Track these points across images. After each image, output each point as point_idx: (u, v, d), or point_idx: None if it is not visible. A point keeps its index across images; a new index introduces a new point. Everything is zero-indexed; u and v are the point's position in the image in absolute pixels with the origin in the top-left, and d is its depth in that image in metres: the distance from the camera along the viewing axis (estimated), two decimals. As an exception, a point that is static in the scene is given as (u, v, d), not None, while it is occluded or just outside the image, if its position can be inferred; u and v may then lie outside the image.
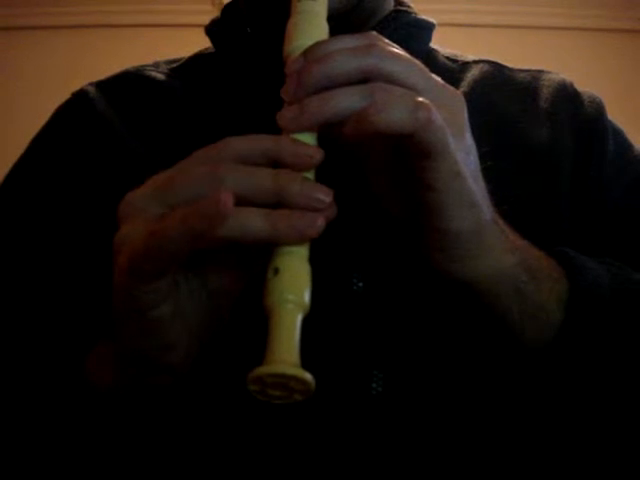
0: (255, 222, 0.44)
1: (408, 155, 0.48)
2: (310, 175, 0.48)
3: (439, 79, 0.51)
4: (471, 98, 0.61)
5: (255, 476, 0.56)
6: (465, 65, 0.73)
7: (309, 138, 0.48)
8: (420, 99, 0.47)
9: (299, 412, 0.54)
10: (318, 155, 0.47)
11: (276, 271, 0.45)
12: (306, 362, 0.43)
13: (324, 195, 0.46)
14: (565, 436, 0.58)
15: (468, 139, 0.51)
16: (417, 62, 0.51)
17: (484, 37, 2.41)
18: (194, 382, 0.52)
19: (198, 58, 0.73)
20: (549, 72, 0.73)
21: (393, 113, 0.46)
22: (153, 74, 0.71)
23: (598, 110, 0.70)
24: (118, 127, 0.66)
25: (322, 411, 0.56)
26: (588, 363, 0.54)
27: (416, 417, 0.57)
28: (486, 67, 0.72)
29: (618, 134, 0.70)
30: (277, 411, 0.53)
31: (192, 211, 0.42)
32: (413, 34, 0.69)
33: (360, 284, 0.58)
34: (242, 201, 0.45)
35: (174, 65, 0.73)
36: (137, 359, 0.49)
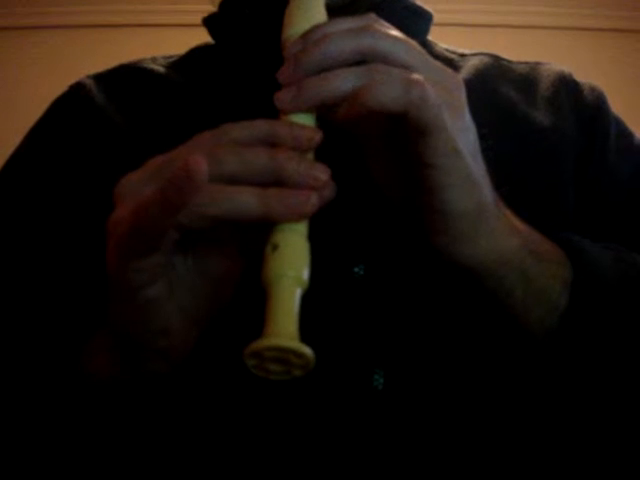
0: (247, 200, 0.44)
1: (405, 133, 0.48)
2: (309, 156, 0.47)
3: (436, 61, 0.51)
4: (472, 85, 0.60)
5: (256, 470, 0.55)
6: (464, 56, 0.73)
7: (307, 119, 0.48)
8: (414, 76, 0.47)
9: (300, 403, 0.54)
10: (316, 136, 0.47)
11: (275, 247, 0.45)
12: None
13: (321, 172, 0.46)
14: (569, 428, 0.58)
15: (467, 118, 0.51)
16: (414, 42, 0.51)
17: (484, 37, 2.40)
18: (192, 366, 0.51)
19: (196, 51, 0.74)
20: (548, 63, 0.74)
21: (385, 92, 0.46)
22: (150, 66, 0.71)
23: (599, 98, 0.70)
24: (115, 118, 0.66)
25: (323, 403, 0.55)
26: (592, 349, 0.54)
27: (418, 409, 0.57)
28: (485, 59, 0.73)
29: (619, 122, 0.71)
30: (279, 405, 0.53)
31: (166, 182, 0.42)
32: (410, 19, 0.69)
33: (361, 270, 0.58)
34: (239, 182, 0.45)
35: (172, 59, 0.73)
36: (132, 344, 0.49)
